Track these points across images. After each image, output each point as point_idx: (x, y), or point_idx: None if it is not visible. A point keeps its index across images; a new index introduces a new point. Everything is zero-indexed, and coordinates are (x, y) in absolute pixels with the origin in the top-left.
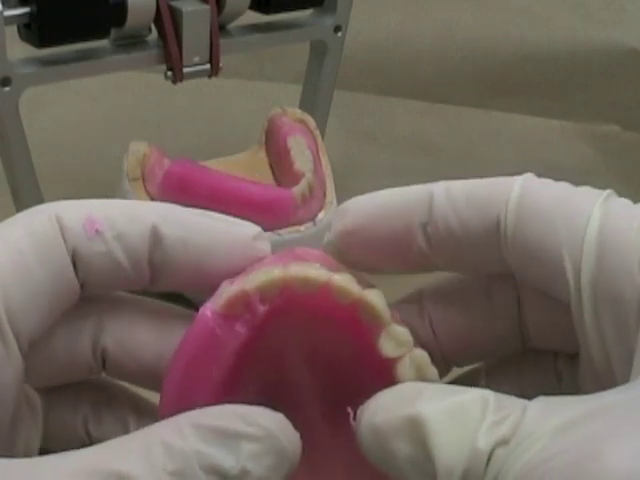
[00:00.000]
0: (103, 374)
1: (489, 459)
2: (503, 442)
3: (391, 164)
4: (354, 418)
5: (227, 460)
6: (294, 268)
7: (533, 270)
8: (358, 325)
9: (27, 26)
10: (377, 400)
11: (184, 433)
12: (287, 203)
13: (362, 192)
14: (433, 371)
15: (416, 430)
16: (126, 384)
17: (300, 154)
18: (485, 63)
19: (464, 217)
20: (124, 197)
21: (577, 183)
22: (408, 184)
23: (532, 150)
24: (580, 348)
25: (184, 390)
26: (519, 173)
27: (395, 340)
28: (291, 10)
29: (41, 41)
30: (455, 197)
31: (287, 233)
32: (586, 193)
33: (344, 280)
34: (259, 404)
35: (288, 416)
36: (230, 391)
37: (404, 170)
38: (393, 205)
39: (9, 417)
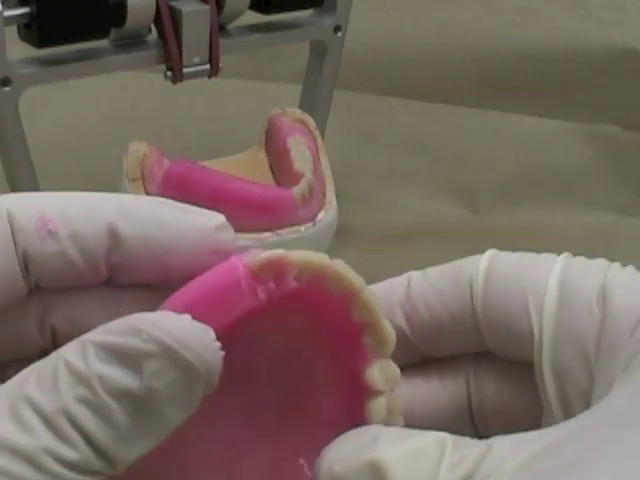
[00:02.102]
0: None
1: None
2: None
3: (391, 164)
4: (309, 468)
5: (131, 381)
6: (336, 262)
7: (501, 330)
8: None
9: (27, 26)
10: (334, 448)
11: (87, 354)
12: (287, 203)
13: (362, 192)
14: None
15: (377, 476)
16: None
17: (300, 154)
18: (485, 63)
19: (439, 288)
20: None
21: (577, 183)
22: (408, 184)
23: (532, 150)
24: (544, 411)
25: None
26: (519, 173)
27: (385, 374)
28: (291, 10)
29: (41, 41)
30: (430, 274)
31: (287, 233)
32: (548, 254)
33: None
34: (240, 368)
35: (246, 396)
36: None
37: (404, 170)
38: (376, 289)
39: None
